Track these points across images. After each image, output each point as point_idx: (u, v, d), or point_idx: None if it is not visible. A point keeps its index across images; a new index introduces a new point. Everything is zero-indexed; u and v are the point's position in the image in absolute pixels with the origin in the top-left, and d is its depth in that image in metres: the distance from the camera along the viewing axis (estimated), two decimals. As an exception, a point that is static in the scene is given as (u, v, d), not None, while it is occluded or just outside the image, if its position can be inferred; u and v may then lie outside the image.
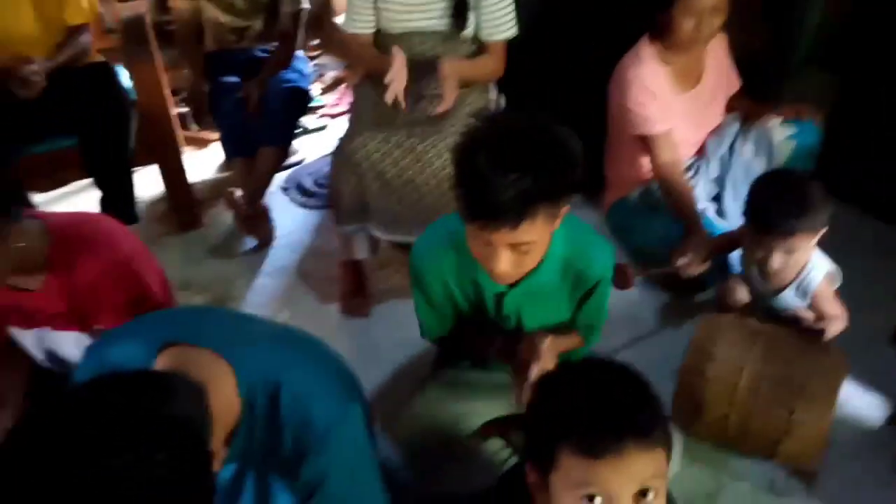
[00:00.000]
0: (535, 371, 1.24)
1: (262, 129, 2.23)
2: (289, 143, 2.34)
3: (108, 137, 2.02)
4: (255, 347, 1.00)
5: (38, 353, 1.50)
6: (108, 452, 0.66)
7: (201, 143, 2.77)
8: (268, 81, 2.29)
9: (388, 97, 1.71)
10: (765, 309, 1.65)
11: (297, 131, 2.52)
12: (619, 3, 2.05)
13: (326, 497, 0.98)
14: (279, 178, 2.46)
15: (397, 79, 1.71)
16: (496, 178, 1.03)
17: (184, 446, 0.70)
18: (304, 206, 2.45)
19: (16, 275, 1.32)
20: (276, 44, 2.42)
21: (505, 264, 1.12)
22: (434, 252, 1.32)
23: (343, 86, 3.18)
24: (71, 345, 1.47)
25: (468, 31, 1.88)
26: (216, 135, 2.76)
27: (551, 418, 0.89)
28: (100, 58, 2.18)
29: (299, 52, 2.48)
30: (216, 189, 2.51)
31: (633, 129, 1.89)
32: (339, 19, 2.70)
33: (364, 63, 1.96)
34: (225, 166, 2.65)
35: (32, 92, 1.94)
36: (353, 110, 1.94)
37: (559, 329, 1.38)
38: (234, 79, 2.35)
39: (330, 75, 3.23)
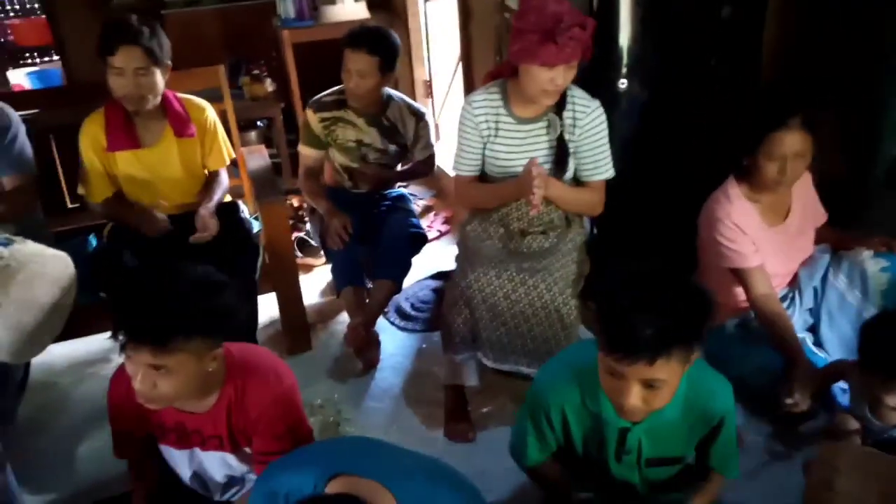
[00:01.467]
0: None
1: (382, 264, 2.44)
2: (404, 277, 2.52)
3: (238, 268, 2.21)
4: (413, 482, 1.10)
5: (185, 472, 1.62)
6: None
7: (306, 269, 3.00)
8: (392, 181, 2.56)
9: (536, 199, 1.85)
10: (877, 441, 1.65)
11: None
12: (706, 144, 2.21)
13: None
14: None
15: (539, 185, 1.85)
16: (639, 316, 1.14)
17: None
18: (403, 329, 2.59)
19: (195, 397, 1.46)
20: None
21: (636, 399, 1.21)
22: (558, 384, 1.41)
23: (432, 213, 3.42)
24: (217, 466, 1.59)
25: (568, 175, 2.05)
26: (320, 261, 3.01)
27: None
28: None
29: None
30: (320, 314, 2.70)
31: (726, 263, 1.98)
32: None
33: (481, 201, 2.11)
34: (329, 292, 2.84)
35: (160, 230, 2.17)
36: (463, 246, 2.10)
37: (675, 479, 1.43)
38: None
39: (420, 203, 3.47)
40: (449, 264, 2.95)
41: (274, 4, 3.85)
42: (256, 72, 3.88)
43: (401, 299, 2.72)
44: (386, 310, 2.68)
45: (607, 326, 1.19)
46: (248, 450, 1.56)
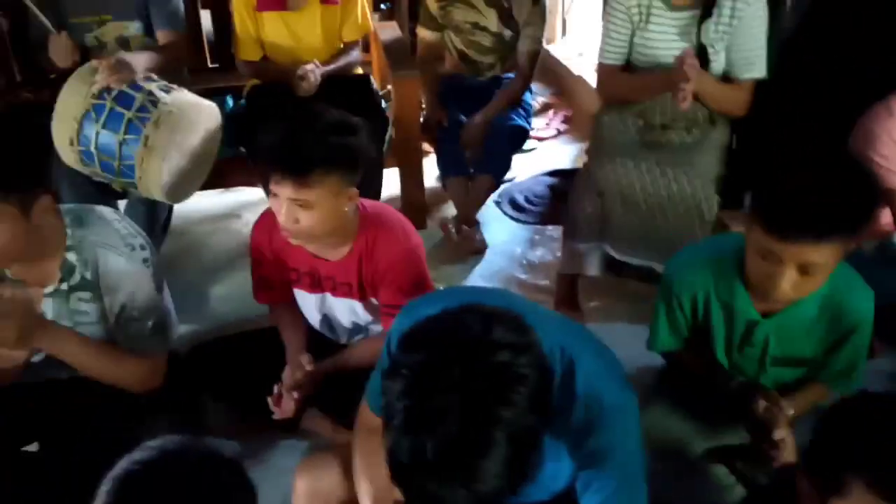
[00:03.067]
0: (778, 436, 1.27)
1: (481, 158, 2.43)
2: (504, 174, 2.52)
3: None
4: (550, 324, 1.13)
5: (315, 315, 1.74)
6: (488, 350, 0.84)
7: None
8: (493, 117, 2.46)
9: (687, 93, 1.77)
10: None
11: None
12: (868, 56, 2.04)
13: (606, 471, 1.08)
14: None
15: (691, 78, 1.77)
16: (808, 194, 1.13)
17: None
18: (515, 219, 2.62)
19: (328, 245, 1.55)
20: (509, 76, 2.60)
21: (788, 283, 1.19)
22: (692, 268, 1.41)
23: (551, 111, 3.37)
24: (345, 312, 1.70)
25: (716, 66, 1.95)
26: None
27: (843, 452, 0.94)
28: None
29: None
30: (437, 197, 2.75)
31: (879, 182, 1.87)
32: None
33: (625, 92, 2.05)
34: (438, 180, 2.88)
35: (310, 89, 2.23)
36: (597, 137, 2.06)
37: (799, 382, 1.41)
38: (461, 116, 2.53)
39: (539, 100, 3.41)
40: (565, 163, 2.95)
41: None
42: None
43: (515, 191, 2.74)
44: (499, 199, 2.71)
45: (773, 204, 1.17)
46: (374, 301, 1.66)
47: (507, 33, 2.52)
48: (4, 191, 1.29)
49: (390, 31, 2.64)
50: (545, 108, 3.40)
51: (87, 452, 1.52)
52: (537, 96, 3.43)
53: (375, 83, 2.49)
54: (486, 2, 2.45)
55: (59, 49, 1.97)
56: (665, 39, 1.96)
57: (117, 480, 0.84)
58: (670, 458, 1.48)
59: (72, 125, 1.79)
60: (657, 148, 1.91)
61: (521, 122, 2.56)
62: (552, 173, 2.88)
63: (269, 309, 1.79)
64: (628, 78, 2.03)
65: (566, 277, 2.09)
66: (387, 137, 2.37)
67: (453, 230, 2.38)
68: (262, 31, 2.28)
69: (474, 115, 2.47)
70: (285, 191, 1.44)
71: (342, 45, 2.40)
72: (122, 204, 2.12)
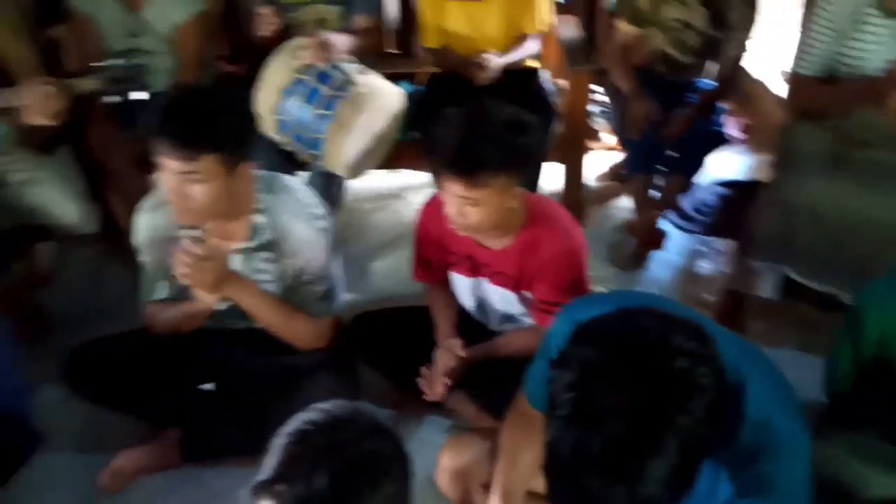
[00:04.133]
0: None
1: (673, 158, 2.35)
2: (694, 175, 2.42)
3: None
4: (723, 339, 1.07)
5: (469, 300, 1.78)
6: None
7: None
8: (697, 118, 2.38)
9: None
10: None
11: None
12: None
13: (767, 501, 1.02)
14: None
15: None
16: None
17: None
18: (679, 227, 2.51)
19: (496, 231, 1.58)
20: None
21: None
22: (890, 300, 1.29)
23: (730, 118, 3.17)
24: (499, 300, 1.73)
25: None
26: (596, 143, 2.97)
27: None
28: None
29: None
30: (596, 195, 2.70)
31: None
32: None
33: (822, 104, 1.91)
34: (606, 177, 2.82)
35: (486, 78, 2.26)
36: (785, 150, 1.93)
37: None
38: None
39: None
40: (740, 174, 2.77)
41: None
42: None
43: (682, 198, 2.62)
44: (664, 206, 2.61)
45: None
46: (529, 294, 1.66)
47: (714, 35, 2.40)
48: (218, 153, 1.43)
49: (567, 24, 2.61)
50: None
51: (256, 396, 1.68)
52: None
53: (548, 76, 2.49)
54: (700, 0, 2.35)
55: (265, 21, 2.15)
56: (876, 48, 1.79)
57: (291, 437, 0.90)
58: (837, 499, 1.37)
59: (275, 96, 1.96)
60: (855, 166, 1.75)
61: (721, 127, 2.47)
62: (725, 184, 2.72)
63: (425, 288, 1.85)
64: (828, 89, 1.87)
65: (734, 294, 1.98)
66: (551, 130, 2.35)
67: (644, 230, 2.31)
68: (445, 20, 2.34)
69: (667, 114, 2.39)
70: (455, 188, 1.47)
71: (521, 37, 2.40)
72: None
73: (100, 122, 2.24)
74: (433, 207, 1.70)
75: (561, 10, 3.15)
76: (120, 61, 1.80)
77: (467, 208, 1.49)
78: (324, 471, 0.84)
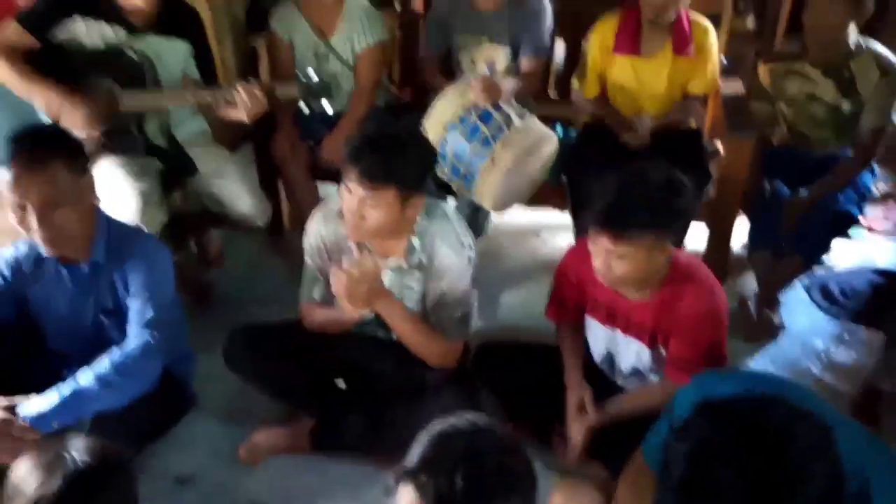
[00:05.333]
0: None
1: (798, 235, 2.27)
2: (818, 258, 2.34)
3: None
4: (852, 434, 1.07)
5: (600, 348, 1.83)
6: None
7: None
8: (821, 196, 2.28)
9: None
10: None
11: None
12: None
13: None
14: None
15: None
16: None
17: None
18: (823, 309, 2.40)
19: (642, 285, 1.63)
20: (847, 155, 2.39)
21: None
22: None
23: (892, 201, 3.01)
24: (630, 353, 1.76)
25: None
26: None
27: None
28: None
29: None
30: (740, 261, 2.65)
31: None
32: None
33: None
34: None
35: (638, 142, 2.30)
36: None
37: None
38: (785, 190, 2.37)
39: (880, 187, 3.07)
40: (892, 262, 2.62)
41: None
42: (742, 3, 3.73)
43: (830, 279, 2.50)
44: (810, 283, 2.51)
45: None
46: (663, 351, 1.69)
47: (847, 106, 2.32)
48: (399, 186, 1.58)
49: (733, 86, 2.59)
50: (886, 198, 3.04)
51: (384, 401, 1.82)
52: (879, 181, 3.09)
53: (705, 136, 2.49)
54: (824, 72, 2.28)
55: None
56: None
57: (438, 436, 1.01)
58: None
59: (439, 129, 2.11)
60: None
61: (850, 206, 2.34)
62: (879, 271, 2.58)
63: (557, 327, 1.92)
64: None
65: (873, 388, 1.89)
66: (704, 192, 2.35)
67: (753, 309, 2.29)
68: (610, 71, 2.40)
69: (799, 189, 2.33)
70: (603, 240, 1.53)
71: (684, 97, 2.42)
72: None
73: (285, 128, 2.51)
74: (579, 251, 1.76)
75: (724, 70, 3.13)
76: (315, 77, 2.01)
77: (614, 261, 1.55)
78: (464, 472, 0.94)
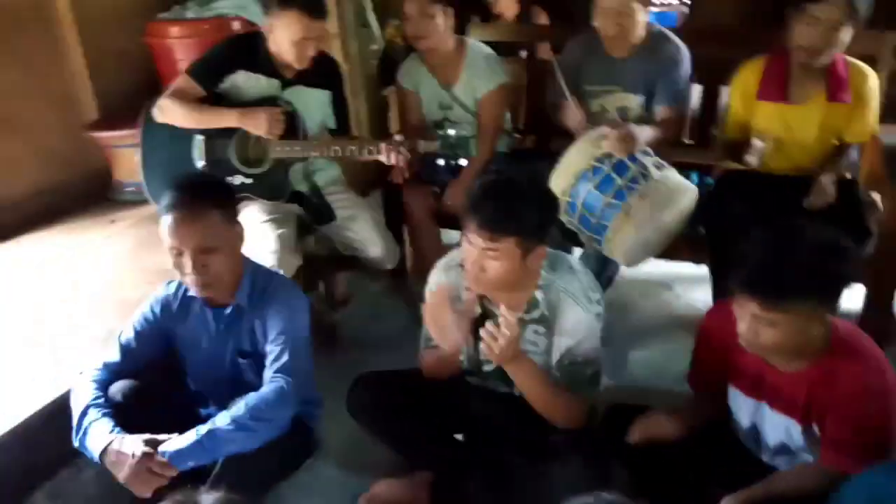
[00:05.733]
0: None
1: None
2: None
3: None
4: None
5: (745, 420, 1.67)
6: None
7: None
8: None
9: None
10: None
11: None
12: None
13: None
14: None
15: None
16: None
17: None
18: None
19: (791, 354, 1.48)
20: None
21: None
22: None
23: None
24: (778, 429, 1.59)
25: None
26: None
27: None
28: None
29: None
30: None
31: None
32: None
33: None
34: None
35: (826, 201, 2.08)
36: None
37: None
38: None
39: None
40: None
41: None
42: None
43: None
44: None
45: None
46: (816, 429, 1.52)
47: None
48: (520, 237, 1.55)
49: (892, 133, 2.36)
50: None
51: (507, 460, 1.74)
52: None
53: (861, 187, 2.27)
54: None
55: (572, 115, 2.28)
56: None
57: None
58: None
59: (570, 179, 2.06)
60: None
61: None
62: None
63: (694, 395, 1.78)
64: None
65: None
66: (865, 248, 2.13)
67: None
68: (754, 118, 2.26)
69: None
70: (752, 306, 1.41)
71: (837, 145, 2.23)
72: (577, 251, 2.36)
73: (416, 177, 2.56)
74: (723, 312, 1.63)
75: (886, 116, 2.87)
76: (452, 131, 2.06)
77: (762, 328, 1.42)
78: None
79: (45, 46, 2.82)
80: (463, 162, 2.09)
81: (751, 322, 1.43)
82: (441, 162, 2.11)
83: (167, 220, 1.56)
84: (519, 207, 1.55)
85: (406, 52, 3.79)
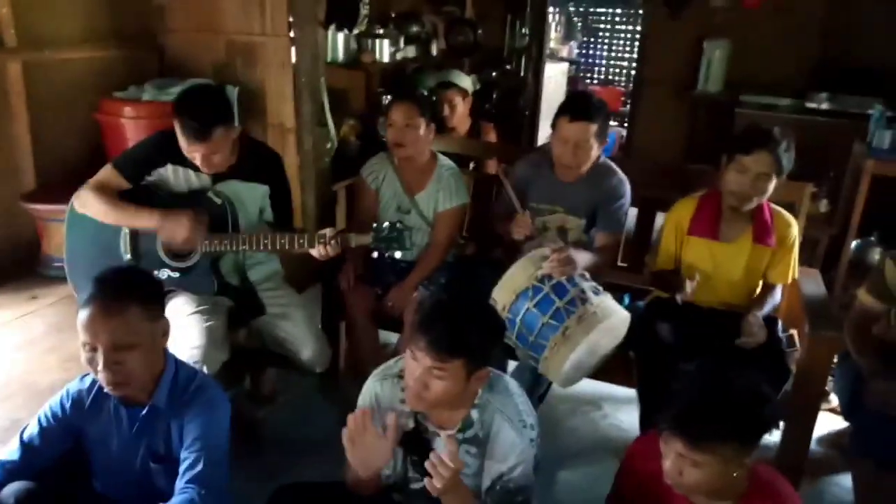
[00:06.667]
0: None
1: None
2: None
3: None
4: None
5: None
6: None
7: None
8: None
9: None
10: None
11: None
12: None
13: None
14: None
15: None
16: None
17: None
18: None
19: (717, 497, 1.50)
20: None
21: None
22: None
23: None
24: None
25: None
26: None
27: None
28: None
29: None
30: (817, 464, 2.46)
31: None
32: None
33: None
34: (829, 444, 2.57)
35: (756, 342, 2.16)
36: None
37: None
38: None
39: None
40: None
41: (860, 127, 3.67)
42: (815, 189, 3.73)
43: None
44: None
45: None
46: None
47: None
48: (467, 359, 1.55)
49: (813, 281, 2.52)
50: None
51: None
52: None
53: (780, 327, 2.39)
54: None
55: (522, 226, 2.35)
56: None
57: None
58: None
59: (510, 296, 2.09)
60: None
61: None
62: None
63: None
64: None
65: None
66: (783, 388, 2.22)
67: None
68: (683, 251, 2.37)
69: None
70: (677, 445, 1.44)
71: (764, 284, 2.36)
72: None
73: (352, 272, 2.55)
74: (649, 445, 1.65)
75: (805, 261, 3.06)
76: (388, 224, 2.07)
77: (687, 468, 1.45)
78: None
79: (-9, 112, 2.76)
80: (398, 255, 2.08)
81: (675, 460, 1.46)
82: (375, 255, 2.10)
83: (83, 313, 1.49)
84: (469, 331, 1.56)
85: (359, 149, 3.89)
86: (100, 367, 1.49)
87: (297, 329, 2.31)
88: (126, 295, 1.51)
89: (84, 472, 1.67)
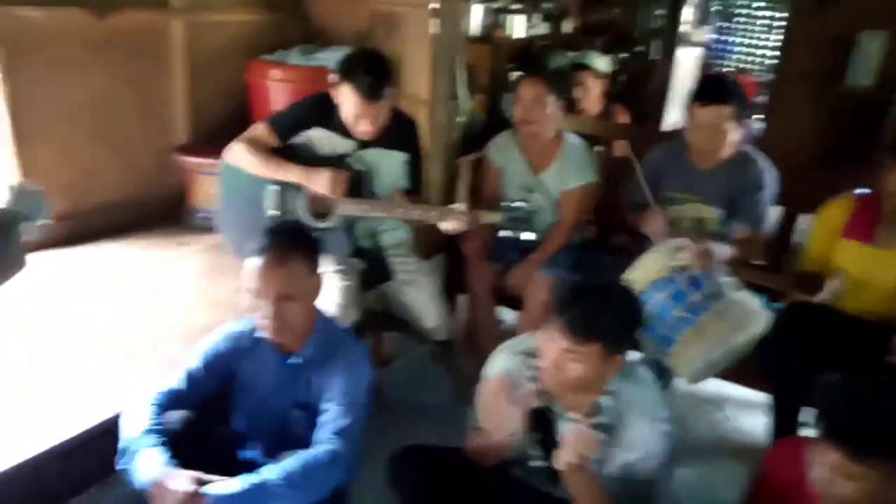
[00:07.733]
0: None
1: None
2: None
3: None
4: None
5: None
6: None
7: None
8: None
9: None
10: None
11: None
12: None
13: None
14: None
15: None
16: None
17: None
18: None
19: None
20: None
21: None
22: None
23: None
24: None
25: None
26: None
27: None
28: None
29: None
30: None
31: None
32: None
33: None
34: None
35: None
36: None
37: None
38: None
39: None
40: None
41: None
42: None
43: None
44: None
45: None
46: None
47: None
48: (604, 343, 1.53)
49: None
50: None
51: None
52: None
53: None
54: None
55: (655, 223, 2.28)
56: None
57: None
58: None
59: (643, 285, 2.04)
60: None
61: None
62: None
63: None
64: None
65: None
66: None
67: None
68: (835, 255, 2.22)
69: None
70: (833, 456, 1.36)
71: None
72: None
73: (479, 248, 2.56)
74: (786, 453, 1.58)
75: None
76: (522, 204, 2.06)
77: (841, 480, 1.36)
78: None
79: (153, 67, 2.94)
80: (524, 236, 2.07)
81: (831, 472, 1.38)
82: (501, 234, 2.10)
83: (254, 262, 1.58)
84: (608, 315, 1.54)
85: (484, 125, 3.90)
86: (264, 313, 1.58)
87: (422, 296, 2.36)
88: (295, 248, 1.60)
89: (226, 409, 1.78)
